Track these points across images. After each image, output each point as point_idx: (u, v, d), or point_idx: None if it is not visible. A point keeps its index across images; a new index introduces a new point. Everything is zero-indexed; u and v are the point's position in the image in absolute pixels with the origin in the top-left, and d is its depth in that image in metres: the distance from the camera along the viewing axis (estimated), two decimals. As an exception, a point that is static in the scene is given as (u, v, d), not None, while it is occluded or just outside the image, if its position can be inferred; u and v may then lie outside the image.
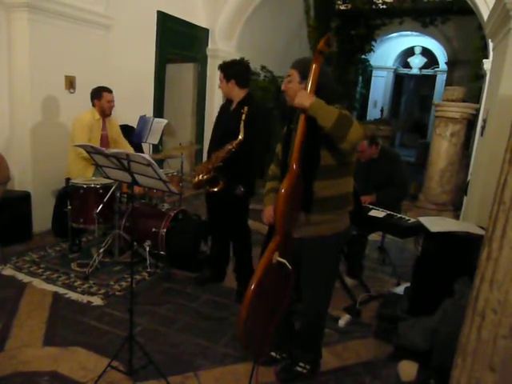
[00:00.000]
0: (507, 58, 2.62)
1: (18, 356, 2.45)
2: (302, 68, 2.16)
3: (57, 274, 3.50)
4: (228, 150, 3.01)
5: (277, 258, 2.00)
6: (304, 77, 2.13)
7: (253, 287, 1.91)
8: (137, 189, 3.88)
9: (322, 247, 2.16)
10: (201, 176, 3.09)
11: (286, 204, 1.96)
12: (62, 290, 3.23)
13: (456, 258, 2.28)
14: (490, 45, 4.56)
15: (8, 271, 3.49)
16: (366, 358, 2.68)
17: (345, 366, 2.60)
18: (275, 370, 2.45)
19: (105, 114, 4.04)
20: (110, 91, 4.03)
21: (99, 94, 4.00)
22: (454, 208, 6.26)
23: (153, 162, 1.88)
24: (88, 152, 2.08)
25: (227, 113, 3.20)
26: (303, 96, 1.95)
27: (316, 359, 2.47)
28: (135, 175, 2.05)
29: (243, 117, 2.95)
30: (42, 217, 4.29)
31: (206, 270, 3.61)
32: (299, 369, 2.42)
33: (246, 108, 2.96)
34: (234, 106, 3.15)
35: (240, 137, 2.96)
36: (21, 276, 3.43)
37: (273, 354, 2.52)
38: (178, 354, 2.59)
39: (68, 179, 4.07)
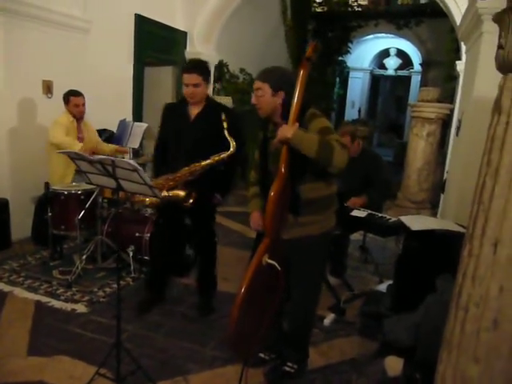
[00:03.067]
0: (480, 60, 2.71)
1: (3, 366, 2.41)
2: (274, 81, 2.16)
3: (38, 282, 3.45)
4: (211, 163, 2.79)
5: (266, 259, 2.03)
6: (276, 89, 2.14)
7: (244, 289, 1.93)
8: (106, 194, 3.85)
9: (311, 247, 2.21)
10: (168, 192, 2.81)
11: (275, 206, 1.99)
12: (44, 299, 3.19)
13: (437, 255, 2.35)
14: (463, 47, 4.70)
15: (-13, 280, 3.43)
16: (351, 356, 2.73)
17: (331, 364, 2.64)
18: (264, 370, 2.48)
19: (75, 117, 4.00)
20: (77, 95, 3.97)
21: (66, 98, 3.98)
22: (432, 206, 6.41)
23: (138, 167, 1.89)
24: (72, 158, 2.07)
25: (187, 119, 2.91)
26: (284, 129, 1.98)
27: (303, 359, 2.51)
28: (120, 181, 2.05)
29: (225, 125, 2.78)
30: (20, 224, 4.22)
31: (147, 293, 3.24)
32: (287, 368, 2.45)
33: (224, 115, 2.78)
34: (196, 110, 2.91)
35: (232, 149, 2.78)
36: (1, 285, 3.36)
37: (261, 355, 2.55)
38: (167, 358, 2.59)
39: (47, 184, 4.03)
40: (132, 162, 1.86)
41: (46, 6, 4.18)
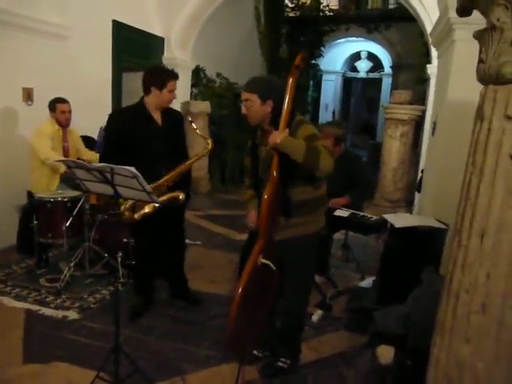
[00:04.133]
0: (453, 66, 2.89)
1: (-1, 375, 2.42)
2: (261, 90, 2.24)
3: (26, 290, 3.44)
4: (195, 161, 2.96)
5: (261, 259, 2.13)
6: (264, 98, 2.23)
7: (241, 288, 2.02)
8: (103, 199, 3.88)
9: (303, 246, 2.32)
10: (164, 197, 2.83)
11: (268, 209, 2.09)
12: (34, 307, 3.18)
13: (420, 250, 2.51)
14: (433, 51, 4.93)
15: (-27, 291, 3.40)
16: (341, 349, 2.85)
17: (322, 358, 2.76)
18: (258, 367, 2.57)
19: (61, 124, 4.01)
20: (64, 102, 4.01)
21: (53, 105, 4.00)
22: (406, 204, 6.64)
23: (138, 174, 1.95)
24: (69, 167, 2.11)
25: (155, 124, 2.94)
26: (274, 135, 2.08)
27: (296, 354, 2.61)
28: (117, 187, 2.11)
29: (194, 126, 2.99)
30: (3, 233, 4.17)
31: (137, 298, 3.25)
32: (281, 364, 2.55)
33: (189, 117, 3.09)
34: (158, 115, 2.95)
35: (210, 145, 2.98)
36: (-12, 295, 3.34)
37: (255, 352, 2.64)
38: (163, 360, 2.65)
39: (30, 193, 4.02)
40: (132, 168, 1.92)
41: (25, 13, 4.16)
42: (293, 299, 2.46)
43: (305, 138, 2.12)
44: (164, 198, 2.79)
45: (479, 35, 1.17)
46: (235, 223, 5.68)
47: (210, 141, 3.01)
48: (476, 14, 1.28)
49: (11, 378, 2.40)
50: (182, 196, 2.84)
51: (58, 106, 3.92)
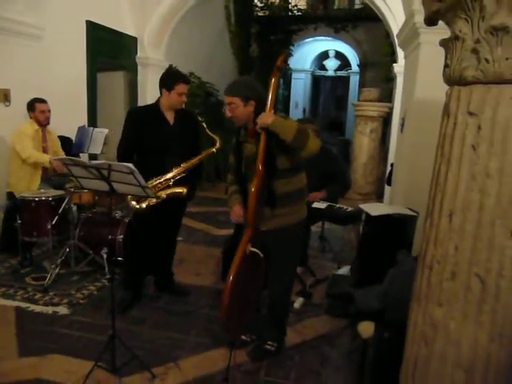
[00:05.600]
0: (419, 67, 3.14)
1: (-4, 369, 2.49)
2: (243, 93, 2.40)
3: (13, 289, 3.47)
4: (202, 157, 3.10)
5: (250, 248, 2.29)
6: (246, 99, 2.39)
7: (232, 276, 2.18)
8: (86, 197, 3.95)
9: (288, 235, 2.49)
10: (166, 192, 2.96)
11: (256, 201, 2.25)
12: (23, 304, 3.23)
13: (394, 235, 2.74)
14: (399, 51, 5.20)
15: (-41, 292, 3.41)
16: (322, 332, 3.06)
17: (305, 340, 2.95)
18: (247, 351, 2.74)
19: (41, 124, 4.07)
20: (43, 101, 4.08)
21: (32, 105, 4.05)
22: (377, 196, 6.96)
23: (135, 169, 2.07)
24: (65, 164, 2.21)
25: (167, 123, 3.10)
26: (264, 116, 2.24)
27: (282, 337, 2.79)
28: (113, 183, 2.22)
29: (204, 125, 3.16)
30: (-17, 234, 4.17)
31: (127, 292, 3.33)
32: (268, 347, 2.72)
33: (198, 117, 3.22)
34: (171, 115, 3.12)
35: (218, 144, 3.12)
36: (-26, 295, 3.36)
37: (243, 337, 2.80)
38: (155, 348, 2.77)
39: (11, 193, 4.04)
40: (130, 165, 2.04)
41: (0, 14, 4.16)
42: (278, 284, 2.63)
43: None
44: (168, 191, 2.94)
45: (444, 43, 1.36)
46: (213, 219, 5.83)
47: (218, 140, 3.13)
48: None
49: (7, 371, 2.47)
50: (184, 191, 2.97)
51: (37, 106, 3.96)
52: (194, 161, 3.07)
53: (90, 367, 2.39)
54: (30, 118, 4.07)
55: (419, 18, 2.93)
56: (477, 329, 1.30)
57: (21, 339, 2.79)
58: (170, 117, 3.12)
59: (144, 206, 2.91)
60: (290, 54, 12.01)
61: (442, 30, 1.52)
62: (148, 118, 3.11)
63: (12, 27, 4.34)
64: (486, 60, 1.21)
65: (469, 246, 1.29)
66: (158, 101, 3.11)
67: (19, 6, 4.37)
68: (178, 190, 2.94)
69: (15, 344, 2.74)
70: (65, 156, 4.32)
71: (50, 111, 4.05)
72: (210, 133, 3.12)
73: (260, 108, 2.37)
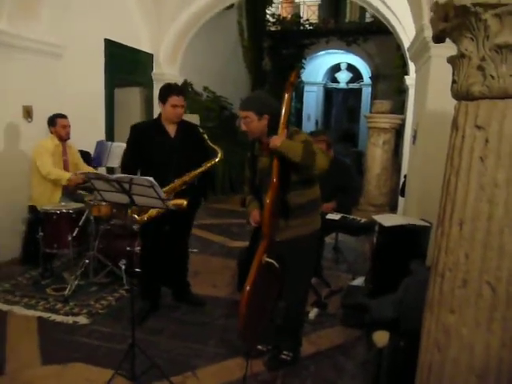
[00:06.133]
0: (430, 80, 3.20)
1: (20, 377, 2.57)
2: (257, 107, 2.48)
3: (35, 300, 3.57)
4: (204, 170, 3.15)
5: (266, 259, 2.35)
6: (261, 114, 2.47)
7: (249, 286, 2.24)
8: (104, 210, 4.03)
9: (302, 246, 2.55)
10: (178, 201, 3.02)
11: (271, 212, 2.32)
12: (45, 314, 3.32)
13: (407, 246, 2.77)
14: (411, 64, 5.27)
15: (-17, 302, 3.52)
16: (337, 343, 3.08)
17: (320, 350, 2.98)
18: (263, 360, 2.78)
19: (62, 138, 4.20)
20: (63, 117, 4.23)
21: (53, 121, 4.19)
22: (390, 208, 6.96)
23: (155, 183, 2.16)
24: (89, 178, 2.31)
25: (168, 136, 3.17)
26: (275, 139, 2.32)
27: (297, 347, 2.82)
28: (134, 196, 2.31)
29: (205, 136, 3.20)
30: (5, 246, 4.30)
31: (144, 303, 3.39)
32: (284, 356, 2.76)
33: (200, 129, 3.28)
34: (173, 128, 3.19)
35: (219, 156, 3.20)
36: (-1, 305, 3.47)
37: (259, 347, 2.84)
38: (173, 357, 2.82)
39: (32, 207, 4.17)
40: (150, 178, 2.13)
41: (25, 34, 4.33)
42: (293, 296, 2.68)
43: (301, 142, 2.36)
44: (171, 202, 2.93)
45: (452, 60, 1.43)
46: (228, 231, 5.90)
47: (220, 152, 3.21)
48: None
49: (32, 379, 2.55)
50: (184, 203, 3.03)
51: (58, 121, 4.11)
52: (196, 172, 3.12)
53: (109, 375, 2.46)
54: (51, 133, 4.22)
55: (429, 32, 2.98)
56: (489, 335, 1.34)
57: (43, 348, 2.88)
58: (171, 130, 3.20)
59: (145, 218, 2.99)
60: (302, 67, 12.17)
61: (451, 44, 1.58)
62: (149, 131, 3.20)
63: (35, 46, 4.52)
64: (492, 76, 1.27)
65: (479, 254, 1.34)
66: (159, 115, 3.23)
67: (43, 26, 4.56)
68: (178, 201, 2.98)
69: (38, 352, 2.83)
70: (87, 168, 4.47)
71: (70, 126, 4.20)
72: (211, 144, 3.18)
73: (274, 121, 2.45)
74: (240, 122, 2.57)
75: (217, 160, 3.21)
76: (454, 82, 1.43)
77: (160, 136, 3.18)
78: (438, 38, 1.55)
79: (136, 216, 2.98)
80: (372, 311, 2.37)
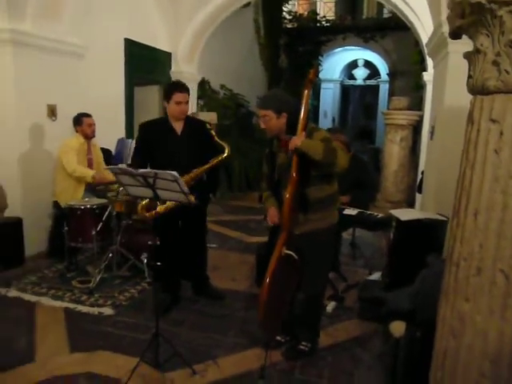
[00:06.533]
0: (448, 76, 3.21)
1: (51, 363, 2.69)
2: (275, 106, 2.54)
3: (61, 291, 3.71)
4: (210, 166, 3.20)
5: (285, 251, 2.42)
6: (279, 112, 2.53)
7: (269, 276, 2.31)
8: (122, 207, 4.12)
9: (321, 239, 2.61)
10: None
11: (290, 206, 2.39)
12: (71, 305, 3.45)
13: (424, 240, 2.81)
14: (429, 60, 5.26)
15: (13, 293, 3.67)
16: (354, 335, 3.14)
17: (337, 342, 3.04)
18: (282, 351, 2.85)
19: (88, 137, 4.34)
20: (89, 116, 4.36)
21: (79, 119, 4.32)
22: (407, 204, 6.94)
23: (178, 177, 2.25)
24: (115, 173, 2.41)
25: (174, 134, 3.23)
26: (295, 139, 2.38)
27: (315, 338, 2.89)
28: (157, 190, 2.40)
29: (213, 133, 3.27)
30: (32, 241, 4.45)
31: (165, 295, 3.45)
32: (302, 347, 2.83)
33: (207, 125, 3.31)
34: (180, 125, 3.25)
35: (227, 150, 3.27)
36: (27, 296, 3.61)
37: (278, 338, 2.92)
38: (194, 347, 2.92)
39: (56, 203, 4.32)
40: (174, 173, 2.22)
41: (48, 35, 4.47)
42: (312, 288, 2.74)
43: (321, 140, 2.41)
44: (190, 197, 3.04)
45: (467, 56, 1.47)
46: (245, 227, 5.99)
47: (227, 148, 3.28)
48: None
49: (62, 365, 2.67)
50: (192, 199, 3.06)
51: (84, 120, 4.25)
52: (203, 169, 3.18)
53: (134, 363, 2.56)
54: (76, 131, 4.35)
55: (447, 28, 3.01)
56: (502, 322, 1.38)
57: (71, 336, 3.00)
58: (178, 127, 3.25)
59: (153, 213, 3.03)
60: (319, 65, 12.16)
61: (469, 41, 1.62)
62: (157, 129, 3.28)
63: (58, 47, 4.66)
64: (506, 71, 1.31)
65: (493, 243, 1.38)
66: (166, 113, 3.29)
67: (65, 26, 4.70)
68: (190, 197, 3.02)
69: (66, 341, 2.95)
70: (109, 166, 4.60)
71: (95, 124, 4.33)
72: (219, 141, 3.23)
73: (292, 119, 2.51)
74: (258, 120, 2.63)
75: (224, 156, 3.26)
76: (469, 76, 1.47)
77: (167, 133, 3.24)
78: (455, 35, 1.59)
79: (145, 211, 3.03)
80: (389, 303, 2.42)
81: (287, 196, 2.39)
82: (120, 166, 2.62)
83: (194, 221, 3.41)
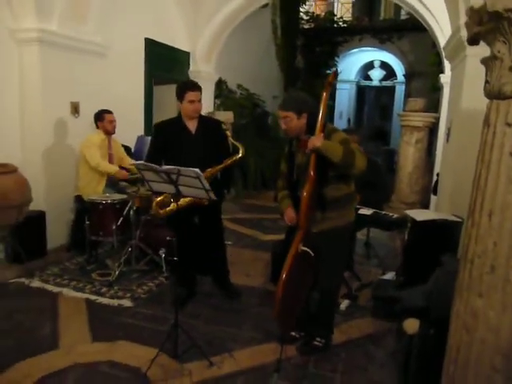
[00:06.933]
0: (465, 79, 3.24)
1: (74, 351, 2.81)
2: (296, 107, 2.60)
3: (82, 283, 3.83)
4: (224, 166, 3.23)
5: (301, 247, 2.49)
6: (300, 113, 2.60)
7: (286, 273, 2.39)
8: (141, 202, 4.22)
9: (337, 236, 2.68)
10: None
11: (308, 204, 2.46)
12: (92, 297, 3.57)
13: (439, 240, 2.86)
14: (446, 63, 5.27)
15: (36, 283, 3.80)
16: (367, 332, 3.20)
17: (351, 339, 3.10)
18: (296, 346, 2.92)
19: (109, 133, 4.46)
20: (110, 112, 4.48)
21: (101, 116, 4.44)
22: (422, 206, 6.93)
23: (201, 174, 2.33)
24: (139, 169, 2.50)
25: (188, 133, 3.27)
26: (314, 139, 2.44)
27: (329, 335, 2.95)
28: (179, 187, 2.49)
29: (228, 133, 3.31)
30: (54, 234, 4.60)
31: (182, 289, 3.48)
32: (316, 343, 2.90)
33: (223, 125, 3.35)
34: (193, 124, 3.29)
35: (240, 153, 3.27)
36: (49, 287, 3.74)
37: (293, 333, 2.99)
38: (210, 340, 3.00)
39: (79, 197, 4.45)
40: (197, 170, 2.30)
41: (73, 35, 4.61)
42: (327, 285, 2.81)
43: (340, 142, 2.47)
44: (188, 199, 3.05)
45: (485, 62, 1.53)
46: (260, 225, 6.07)
47: (241, 149, 3.29)
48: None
49: (84, 353, 2.79)
50: (213, 195, 3.08)
51: (106, 117, 4.37)
52: (217, 169, 3.21)
53: (154, 353, 2.65)
54: (97, 127, 4.48)
55: (465, 32, 3.04)
56: (515, 318, 1.44)
57: (92, 326, 3.12)
58: (191, 126, 3.29)
59: (167, 210, 3.10)
60: (335, 65, 12.18)
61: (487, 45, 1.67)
62: (171, 129, 3.33)
63: (82, 46, 4.79)
64: (522, 77, 1.36)
65: (507, 242, 1.44)
66: (179, 112, 3.33)
67: (90, 27, 4.83)
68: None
69: (88, 330, 3.07)
70: (134, 161, 4.72)
71: (115, 121, 4.45)
72: (233, 141, 3.26)
73: (312, 119, 2.58)
74: (279, 121, 2.70)
75: (238, 157, 3.27)
76: (486, 82, 1.52)
77: (181, 133, 3.28)
78: (473, 40, 1.65)
79: (159, 208, 3.10)
80: (403, 300, 2.47)
81: (305, 194, 2.46)
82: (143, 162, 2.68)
83: (210, 217, 3.46)
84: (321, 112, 2.53)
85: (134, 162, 3.04)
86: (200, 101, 3.26)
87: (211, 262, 3.69)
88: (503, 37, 1.40)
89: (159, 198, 3.09)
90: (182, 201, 3.06)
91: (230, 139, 3.32)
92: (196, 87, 3.24)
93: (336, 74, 2.58)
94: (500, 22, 1.38)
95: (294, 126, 2.63)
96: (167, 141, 3.28)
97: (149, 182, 2.59)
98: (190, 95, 3.19)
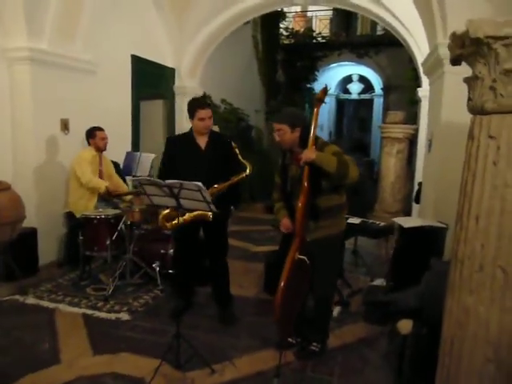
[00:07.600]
0: (444, 94, 3.46)
1: (76, 364, 2.84)
2: (290, 121, 2.75)
3: (77, 298, 3.86)
4: (231, 183, 3.26)
5: (298, 256, 2.61)
6: (293, 126, 2.74)
7: (284, 281, 2.50)
8: (137, 216, 4.29)
9: (330, 244, 2.81)
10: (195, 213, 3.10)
11: (303, 214, 2.59)
12: (88, 311, 3.61)
13: (426, 245, 3.02)
14: (424, 77, 5.53)
15: (31, 300, 3.81)
16: (361, 336, 3.32)
17: (346, 343, 3.22)
18: (293, 351, 3.02)
19: (100, 150, 4.53)
20: (101, 129, 4.56)
21: (93, 133, 4.51)
22: (404, 214, 7.15)
23: (203, 187, 2.44)
24: (142, 184, 2.59)
25: (198, 149, 3.34)
26: (308, 152, 2.57)
27: (325, 339, 3.07)
28: (181, 200, 2.59)
29: (237, 151, 3.34)
30: (45, 250, 4.61)
31: (179, 301, 3.60)
32: (313, 348, 3.00)
33: (232, 143, 3.38)
34: (204, 140, 3.36)
35: (249, 169, 3.32)
36: (45, 303, 3.75)
37: (290, 339, 3.09)
38: (210, 349, 3.07)
39: (70, 213, 4.48)
40: (199, 183, 2.41)
41: (63, 53, 4.69)
42: (321, 289, 2.93)
43: (333, 154, 2.62)
44: (193, 214, 3.09)
45: (467, 81, 1.70)
46: (249, 237, 6.17)
47: (248, 167, 3.34)
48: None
49: (87, 366, 2.82)
50: (209, 214, 3.03)
51: (97, 134, 4.44)
52: (224, 185, 3.23)
53: (155, 364, 2.71)
54: (89, 144, 4.54)
55: (443, 50, 3.27)
56: (502, 311, 1.58)
57: (92, 340, 3.16)
58: (201, 142, 3.36)
59: (173, 223, 3.08)
60: (315, 79, 12.48)
61: (463, 63, 1.84)
62: (181, 143, 3.41)
63: (72, 64, 4.87)
64: (501, 95, 1.53)
65: (493, 243, 1.59)
66: (191, 128, 3.41)
67: (79, 45, 4.91)
68: (203, 213, 3.01)
69: (88, 344, 3.11)
70: (120, 180, 4.79)
71: (107, 138, 4.52)
72: (241, 159, 3.32)
73: (304, 133, 2.72)
74: (273, 134, 2.84)
75: (245, 174, 3.32)
76: (469, 99, 1.69)
77: (191, 148, 3.35)
78: (455, 61, 1.82)
79: (165, 222, 3.12)
80: (397, 302, 2.61)
81: (300, 205, 2.60)
82: (146, 177, 2.77)
83: (215, 233, 3.46)
84: (312, 126, 2.68)
85: (136, 177, 3.12)
86: (210, 118, 3.32)
87: (212, 276, 3.68)
88: (483, 59, 1.57)
89: (166, 211, 3.11)
90: (188, 215, 3.10)
91: (239, 157, 3.33)
92: (206, 105, 3.34)
93: (325, 90, 2.73)
94: (480, 46, 1.55)
95: (288, 139, 2.77)
96: (177, 155, 3.35)
97: (150, 196, 2.68)
98: (201, 113, 3.26)
